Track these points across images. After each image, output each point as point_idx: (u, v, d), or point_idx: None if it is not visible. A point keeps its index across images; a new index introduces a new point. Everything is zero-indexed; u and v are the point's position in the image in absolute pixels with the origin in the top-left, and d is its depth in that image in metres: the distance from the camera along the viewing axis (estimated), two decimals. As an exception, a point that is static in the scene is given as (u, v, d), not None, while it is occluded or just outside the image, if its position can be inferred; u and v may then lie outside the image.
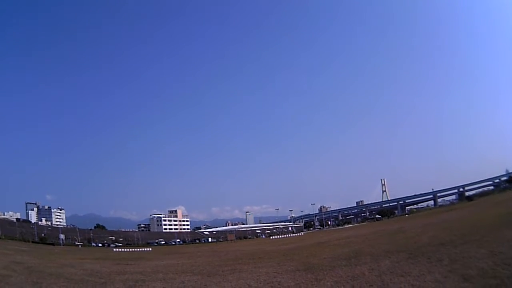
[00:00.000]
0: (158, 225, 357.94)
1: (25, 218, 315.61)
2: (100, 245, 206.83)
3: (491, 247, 27.22)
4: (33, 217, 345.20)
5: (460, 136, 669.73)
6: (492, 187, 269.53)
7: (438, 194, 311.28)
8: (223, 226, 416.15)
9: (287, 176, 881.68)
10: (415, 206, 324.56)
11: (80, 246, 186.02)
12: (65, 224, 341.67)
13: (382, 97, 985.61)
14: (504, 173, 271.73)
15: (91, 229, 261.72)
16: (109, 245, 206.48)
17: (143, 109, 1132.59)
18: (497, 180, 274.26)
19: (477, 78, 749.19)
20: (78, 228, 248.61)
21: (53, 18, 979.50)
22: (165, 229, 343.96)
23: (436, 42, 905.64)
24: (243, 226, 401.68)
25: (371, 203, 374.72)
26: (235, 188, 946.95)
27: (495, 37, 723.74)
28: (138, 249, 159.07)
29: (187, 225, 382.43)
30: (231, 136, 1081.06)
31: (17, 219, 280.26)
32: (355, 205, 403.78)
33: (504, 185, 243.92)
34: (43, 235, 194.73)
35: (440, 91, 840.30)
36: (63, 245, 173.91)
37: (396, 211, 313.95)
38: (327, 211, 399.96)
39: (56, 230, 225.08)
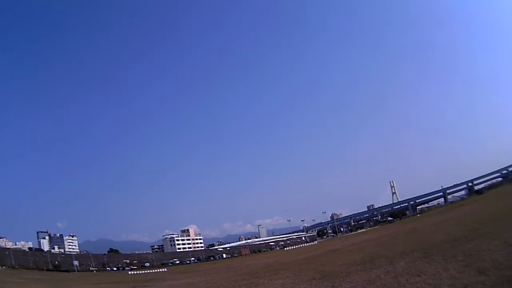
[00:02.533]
0: (171, 245, 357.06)
1: (37, 247, 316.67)
2: (115, 269, 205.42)
3: (504, 239, 27.32)
4: (45, 245, 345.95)
5: (464, 130, 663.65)
6: (500, 179, 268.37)
7: (448, 191, 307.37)
8: (237, 242, 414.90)
9: (296, 186, 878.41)
10: (426, 205, 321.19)
11: (95, 271, 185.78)
12: (78, 250, 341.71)
13: (384, 100, 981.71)
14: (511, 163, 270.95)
15: (104, 254, 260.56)
16: (124, 269, 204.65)
17: (146, 130, 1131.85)
18: (505, 171, 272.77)
19: (477, 70, 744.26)
20: (92, 254, 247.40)
21: (60, 31, 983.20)
22: (179, 248, 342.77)
23: (433, 40, 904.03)
24: (256, 239, 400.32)
25: (382, 206, 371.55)
26: (245, 203, 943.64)
27: (492, 29, 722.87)
28: (153, 270, 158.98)
29: (201, 243, 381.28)
30: (237, 152, 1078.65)
31: (29, 248, 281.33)
32: (366, 209, 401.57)
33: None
34: (56, 262, 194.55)
35: (440, 88, 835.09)
36: (78, 271, 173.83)
37: (407, 212, 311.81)
38: (338, 218, 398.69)
39: (69, 257, 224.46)
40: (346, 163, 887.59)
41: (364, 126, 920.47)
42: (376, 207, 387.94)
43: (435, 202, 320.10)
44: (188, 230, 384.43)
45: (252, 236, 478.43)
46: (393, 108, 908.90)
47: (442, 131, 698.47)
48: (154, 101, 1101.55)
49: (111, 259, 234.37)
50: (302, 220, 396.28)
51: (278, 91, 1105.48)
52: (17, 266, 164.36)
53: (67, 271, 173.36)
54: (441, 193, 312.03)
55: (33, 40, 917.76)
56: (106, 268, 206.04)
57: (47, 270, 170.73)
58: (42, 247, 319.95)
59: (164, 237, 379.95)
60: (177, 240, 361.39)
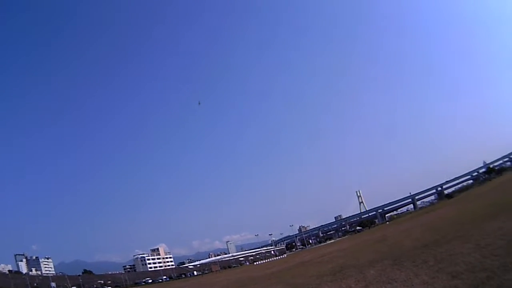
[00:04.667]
0: (142, 264, 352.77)
1: (16, 269, 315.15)
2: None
3: (477, 241, 26.80)
4: (23, 268, 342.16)
5: (431, 136, 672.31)
6: (471, 181, 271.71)
7: (417, 197, 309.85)
8: (206, 258, 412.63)
9: (261, 201, 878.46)
10: (395, 212, 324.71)
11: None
12: (54, 272, 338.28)
13: (340, 112, 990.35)
14: (482, 165, 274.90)
15: (79, 275, 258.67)
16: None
17: (114, 155, 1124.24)
18: (476, 173, 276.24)
19: (436, 77, 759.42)
20: (67, 275, 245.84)
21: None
22: (150, 267, 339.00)
23: (383, 48, 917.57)
24: (226, 255, 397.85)
25: (350, 216, 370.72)
26: (211, 220, 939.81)
27: (448, 33, 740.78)
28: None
29: (171, 261, 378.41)
30: (203, 169, 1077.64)
31: (9, 271, 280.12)
32: (334, 220, 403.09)
33: (483, 177, 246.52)
34: (35, 284, 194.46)
35: (398, 97, 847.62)
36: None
37: (376, 220, 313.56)
38: (306, 230, 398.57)
39: (46, 279, 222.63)
40: (309, 176, 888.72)
41: (325, 137, 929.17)
42: (344, 217, 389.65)
43: (404, 209, 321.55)
44: (158, 249, 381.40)
45: (221, 253, 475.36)
46: (356, 119, 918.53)
47: (408, 139, 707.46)
48: (126, 125, 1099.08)
49: (86, 280, 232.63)
50: (270, 234, 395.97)
51: (233, 111, 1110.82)
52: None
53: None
54: (410, 199, 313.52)
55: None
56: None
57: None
58: (20, 270, 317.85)
59: (135, 257, 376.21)
60: (148, 259, 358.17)
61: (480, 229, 32.66)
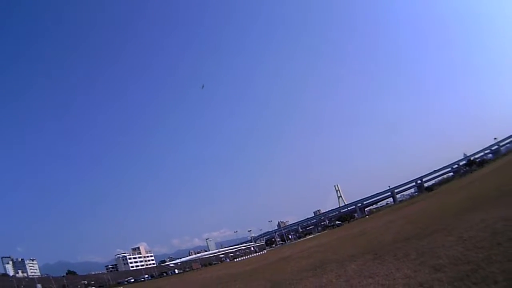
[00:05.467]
0: (124, 263, 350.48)
1: (3, 272, 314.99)
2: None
3: (459, 233, 26.54)
4: (10, 270, 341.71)
5: (409, 130, 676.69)
6: (451, 174, 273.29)
7: (396, 190, 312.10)
8: (187, 256, 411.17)
9: (239, 198, 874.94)
10: (374, 206, 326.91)
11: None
12: (39, 274, 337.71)
13: (323, 106, 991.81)
14: (462, 157, 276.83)
15: (63, 276, 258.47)
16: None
17: (94, 153, 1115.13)
18: (456, 166, 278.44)
19: (415, 72, 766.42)
20: (52, 277, 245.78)
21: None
22: (132, 266, 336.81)
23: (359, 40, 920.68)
24: (206, 253, 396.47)
25: (329, 211, 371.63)
26: (190, 218, 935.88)
27: (425, 31, 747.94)
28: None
29: (152, 260, 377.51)
30: (182, 168, 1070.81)
31: None
32: (313, 215, 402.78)
33: (463, 170, 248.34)
34: (22, 287, 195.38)
35: (376, 91, 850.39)
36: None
37: (355, 214, 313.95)
38: (286, 226, 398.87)
39: (32, 281, 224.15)
40: (286, 171, 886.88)
41: (302, 133, 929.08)
42: (323, 212, 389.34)
43: (383, 203, 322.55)
44: (138, 248, 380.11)
45: (201, 250, 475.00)
46: (329, 113, 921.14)
47: (384, 133, 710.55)
48: (107, 126, 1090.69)
49: (70, 281, 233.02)
50: (249, 231, 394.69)
51: (210, 108, 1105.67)
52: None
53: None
54: (390, 193, 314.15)
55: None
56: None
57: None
58: (7, 272, 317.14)
59: (116, 256, 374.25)
60: (129, 258, 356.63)
61: (462, 221, 32.48)
